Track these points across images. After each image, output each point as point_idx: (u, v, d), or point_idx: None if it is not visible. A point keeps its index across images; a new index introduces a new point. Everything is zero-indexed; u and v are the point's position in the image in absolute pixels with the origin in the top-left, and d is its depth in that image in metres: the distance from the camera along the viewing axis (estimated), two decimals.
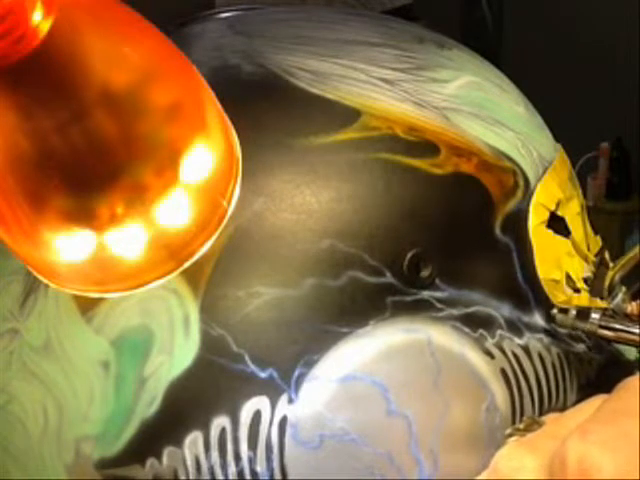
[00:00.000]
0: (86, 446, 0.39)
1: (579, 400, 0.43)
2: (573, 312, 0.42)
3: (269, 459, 0.38)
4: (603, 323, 0.41)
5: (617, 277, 0.44)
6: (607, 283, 0.45)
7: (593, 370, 0.45)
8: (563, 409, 0.43)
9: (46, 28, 0.27)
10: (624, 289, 0.44)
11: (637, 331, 0.41)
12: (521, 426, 0.40)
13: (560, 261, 0.44)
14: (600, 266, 0.47)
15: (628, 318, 0.43)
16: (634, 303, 0.44)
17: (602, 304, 0.46)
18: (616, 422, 0.35)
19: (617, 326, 0.42)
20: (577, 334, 0.44)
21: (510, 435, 0.40)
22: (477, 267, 0.41)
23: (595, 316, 0.42)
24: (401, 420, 0.39)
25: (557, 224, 0.44)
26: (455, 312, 0.40)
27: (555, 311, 0.43)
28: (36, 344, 0.40)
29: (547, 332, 0.43)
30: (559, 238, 0.44)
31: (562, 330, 0.43)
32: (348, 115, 0.41)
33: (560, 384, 0.43)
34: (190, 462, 0.38)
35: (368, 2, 1.78)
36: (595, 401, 0.38)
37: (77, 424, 0.39)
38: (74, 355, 0.39)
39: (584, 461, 0.34)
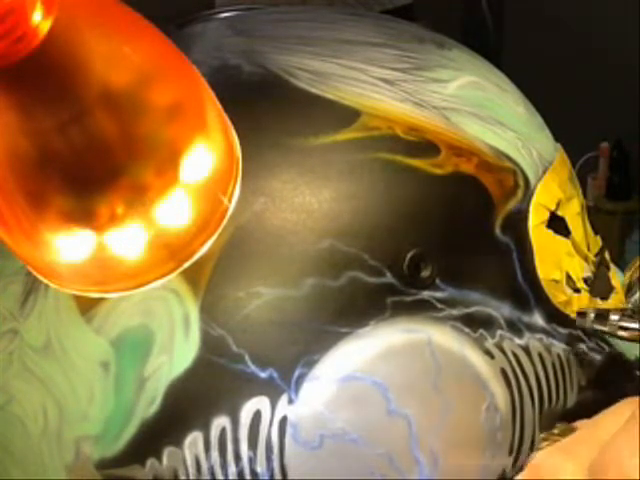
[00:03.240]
0: (86, 446, 0.39)
1: (579, 400, 0.43)
2: (592, 315, 0.42)
3: (269, 459, 0.38)
4: (623, 324, 0.42)
5: (635, 276, 0.44)
6: (626, 282, 0.45)
7: (593, 370, 0.45)
8: (563, 409, 0.43)
9: (46, 28, 0.27)
10: None
11: None
12: (556, 431, 0.41)
13: (560, 261, 0.44)
14: (600, 266, 0.47)
15: None
16: None
17: (602, 304, 0.46)
18: None
19: (637, 326, 0.42)
20: (577, 334, 0.44)
21: (545, 439, 0.40)
22: (477, 267, 0.41)
23: (614, 317, 0.42)
24: (401, 420, 0.39)
25: (557, 224, 0.44)
26: (455, 312, 0.40)
27: (574, 315, 0.43)
28: (36, 344, 0.40)
29: (547, 332, 0.43)
30: (559, 238, 0.44)
31: (563, 331, 0.43)
32: (348, 115, 0.41)
33: (560, 384, 0.43)
34: (190, 462, 0.38)
35: (368, 2, 1.78)
36: (627, 404, 0.38)
37: (77, 424, 0.39)
38: (74, 355, 0.39)
39: (624, 464, 0.35)
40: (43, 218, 0.31)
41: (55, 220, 0.31)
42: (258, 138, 0.39)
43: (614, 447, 0.36)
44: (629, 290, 0.45)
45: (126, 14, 0.31)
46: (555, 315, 0.43)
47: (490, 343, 0.41)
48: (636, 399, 0.38)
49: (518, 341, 0.42)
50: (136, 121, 0.31)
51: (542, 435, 0.41)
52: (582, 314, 0.43)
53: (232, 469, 0.38)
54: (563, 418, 0.42)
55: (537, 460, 0.38)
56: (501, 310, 0.41)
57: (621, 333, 0.42)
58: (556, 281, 0.44)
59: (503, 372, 0.41)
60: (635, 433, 0.36)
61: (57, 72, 0.28)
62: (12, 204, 0.31)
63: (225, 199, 0.34)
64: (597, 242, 0.49)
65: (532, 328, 0.42)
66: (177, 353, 0.38)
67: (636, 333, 0.42)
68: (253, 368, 0.38)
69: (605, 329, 0.42)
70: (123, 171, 0.31)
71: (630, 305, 0.44)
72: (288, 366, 0.38)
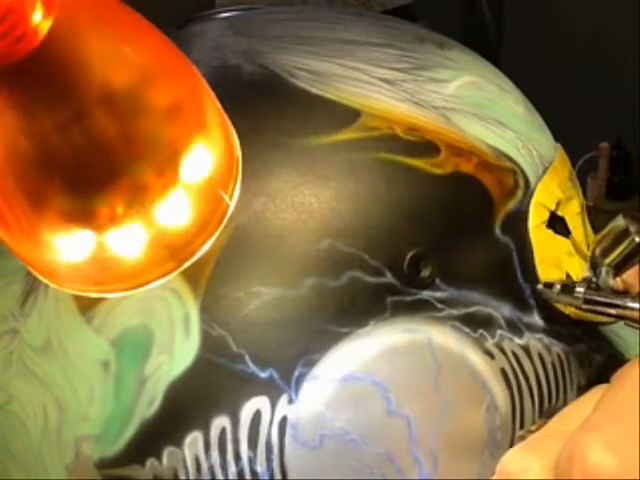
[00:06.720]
0: (86, 446, 0.39)
1: None
2: (558, 286, 0.42)
3: (269, 459, 0.38)
4: (588, 297, 0.41)
5: (598, 251, 0.43)
6: (589, 257, 0.44)
7: (593, 370, 0.45)
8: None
9: (46, 28, 0.27)
10: (607, 262, 0.43)
11: (622, 303, 0.41)
12: (533, 428, 0.40)
13: (560, 261, 0.44)
14: None
15: (614, 292, 0.42)
16: (618, 279, 0.43)
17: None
18: (620, 420, 0.35)
19: (602, 299, 0.41)
20: (577, 334, 0.44)
21: (522, 437, 0.40)
22: (477, 267, 0.41)
23: (580, 290, 0.41)
24: (401, 420, 0.39)
25: (557, 224, 0.44)
26: (455, 312, 0.40)
27: (540, 286, 0.42)
28: (36, 344, 0.40)
29: (547, 332, 0.43)
30: (559, 238, 0.44)
31: (563, 331, 0.43)
32: (348, 115, 0.41)
33: (560, 384, 0.43)
34: (190, 462, 0.38)
35: (368, 2, 1.78)
36: (594, 394, 0.37)
37: (77, 424, 0.39)
38: (74, 355, 0.39)
39: (589, 461, 0.34)
40: (43, 218, 0.31)
41: (55, 220, 0.31)
42: (258, 138, 0.39)
43: (577, 437, 0.35)
44: (594, 267, 0.44)
45: (126, 14, 0.31)
46: (555, 315, 0.43)
47: (490, 343, 0.41)
48: (603, 386, 0.37)
49: (518, 341, 0.42)
50: (136, 121, 0.31)
51: (520, 433, 0.41)
52: (549, 285, 0.42)
53: (232, 469, 0.38)
54: None
55: (505, 460, 0.38)
56: (501, 310, 0.41)
57: (585, 306, 0.41)
58: None
59: (503, 372, 0.41)
60: (598, 421, 0.35)
61: (57, 72, 0.28)
62: (12, 204, 0.31)
63: (225, 199, 0.34)
64: None
65: (532, 328, 0.42)
66: (177, 353, 0.38)
67: (600, 307, 0.41)
68: (253, 368, 0.38)
69: (570, 301, 0.41)
70: (123, 171, 0.31)
71: (596, 281, 0.43)
72: (288, 366, 0.38)
